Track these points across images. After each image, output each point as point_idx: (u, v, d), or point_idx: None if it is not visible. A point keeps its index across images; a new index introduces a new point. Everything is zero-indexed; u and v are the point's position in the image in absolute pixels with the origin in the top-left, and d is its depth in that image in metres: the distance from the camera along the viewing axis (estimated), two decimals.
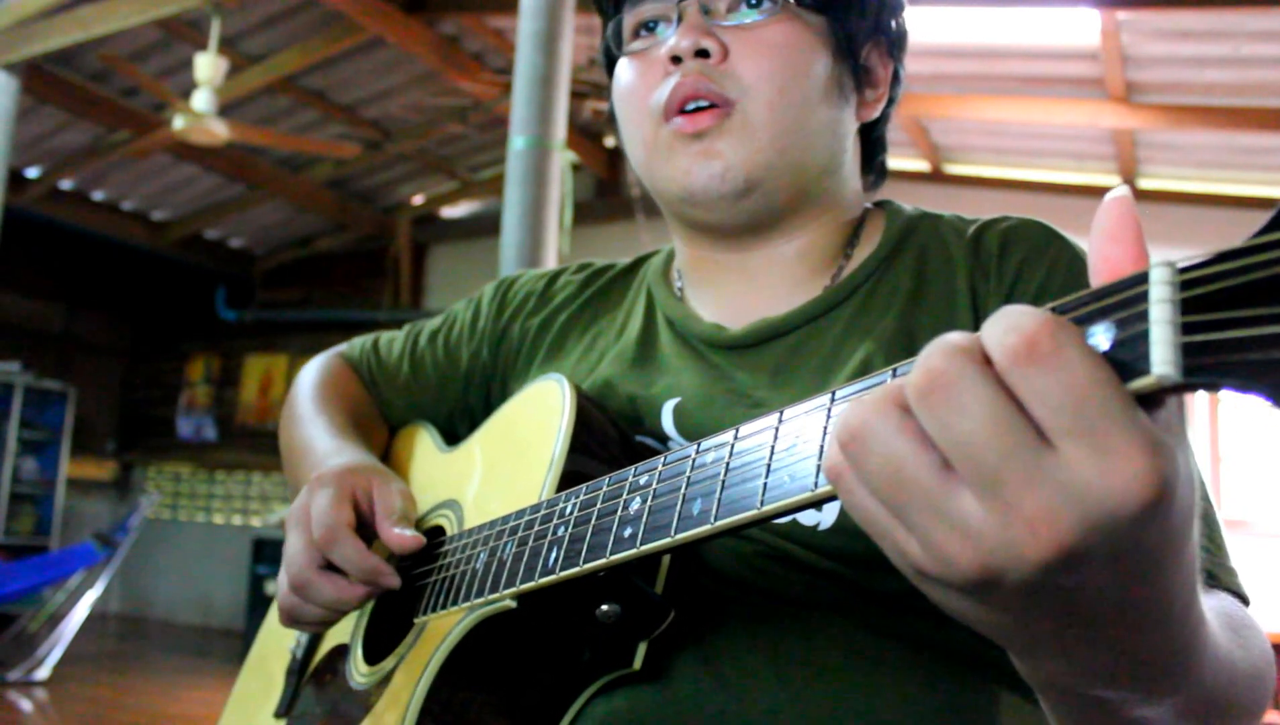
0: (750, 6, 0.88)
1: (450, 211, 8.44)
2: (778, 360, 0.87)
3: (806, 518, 0.78)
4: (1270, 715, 4.90)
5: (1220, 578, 0.73)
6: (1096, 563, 0.40)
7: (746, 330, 0.90)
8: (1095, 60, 4.97)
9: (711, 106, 0.86)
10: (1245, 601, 0.73)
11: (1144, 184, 6.06)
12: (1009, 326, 0.39)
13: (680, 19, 0.88)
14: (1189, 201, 5.93)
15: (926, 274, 0.88)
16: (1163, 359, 0.36)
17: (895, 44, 0.96)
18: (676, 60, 0.87)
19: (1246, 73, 4.87)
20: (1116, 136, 5.61)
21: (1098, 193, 6.09)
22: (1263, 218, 0.37)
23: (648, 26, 0.93)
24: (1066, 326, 0.38)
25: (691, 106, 0.86)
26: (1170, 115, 5.21)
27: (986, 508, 0.39)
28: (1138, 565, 0.42)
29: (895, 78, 0.97)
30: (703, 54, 0.86)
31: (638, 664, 0.73)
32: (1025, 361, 0.38)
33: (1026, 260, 0.84)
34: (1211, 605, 0.57)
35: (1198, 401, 5.72)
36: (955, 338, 0.41)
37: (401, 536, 0.84)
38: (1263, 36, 4.53)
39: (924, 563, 0.42)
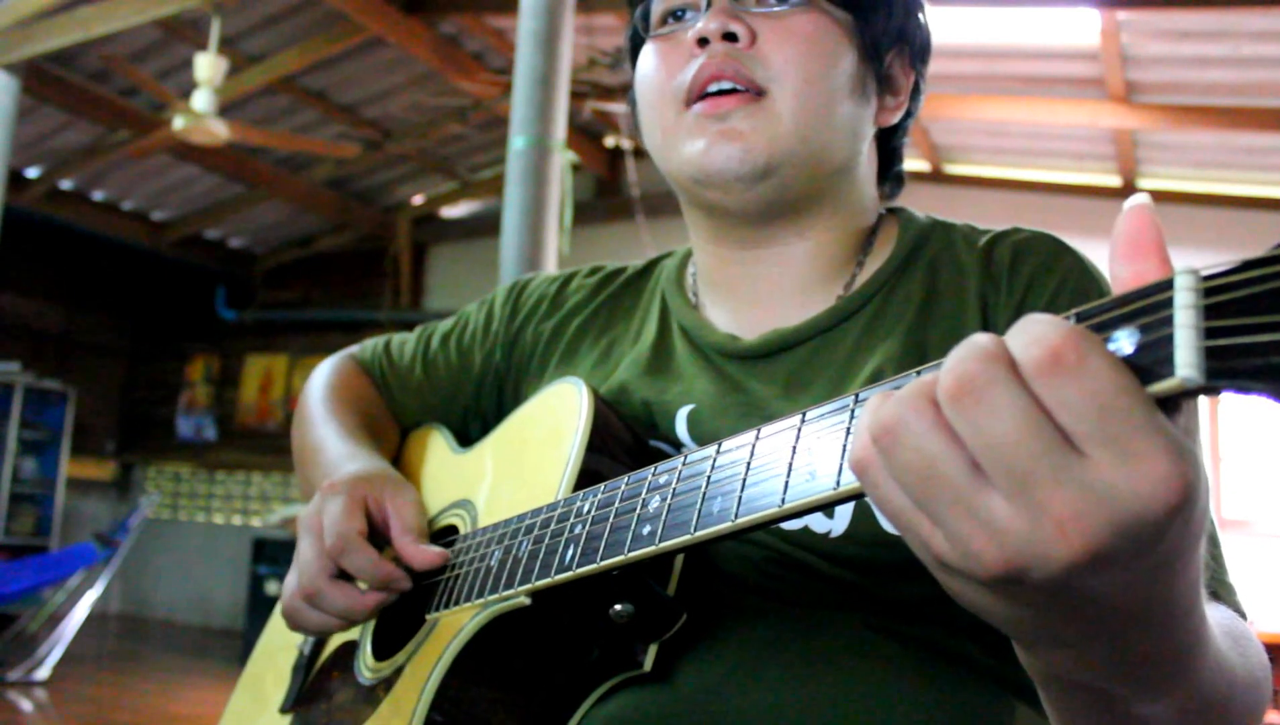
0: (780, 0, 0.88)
1: (450, 211, 8.44)
2: (791, 371, 0.87)
3: (818, 525, 0.78)
4: (1270, 715, 4.90)
5: (1221, 594, 0.74)
6: (1120, 564, 0.41)
7: (760, 341, 0.90)
8: (1095, 60, 4.98)
9: (735, 91, 0.85)
10: (1243, 617, 0.73)
11: (1144, 184, 6.06)
12: (1031, 339, 0.40)
13: (709, 4, 0.88)
14: (1189, 201, 5.93)
15: (938, 285, 0.88)
16: (1186, 362, 0.37)
17: (918, 55, 0.96)
18: (703, 43, 0.86)
19: (1246, 73, 4.87)
20: (1116, 136, 5.61)
21: (1098, 193, 6.11)
22: (1263, 218, 0.38)
23: (675, 15, 0.93)
24: (1088, 336, 0.39)
25: (715, 89, 0.86)
26: (1170, 115, 5.21)
27: (1015, 508, 0.40)
28: (1156, 566, 0.43)
29: (915, 90, 0.97)
30: (730, 38, 0.86)
31: (648, 665, 0.73)
32: (1050, 372, 0.39)
33: (1037, 273, 0.84)
34: (1213, 615, 0.58)
35: (1198, 403, 5.72)
36: (985, 342, 0.41)
37: (422, 552, 0.84)
38: (1263, 36, 4.54)
39: (949, 556, 0.43)
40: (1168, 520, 0.39)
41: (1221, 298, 0.37)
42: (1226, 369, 0.36)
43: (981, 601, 0.45)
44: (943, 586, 0.47)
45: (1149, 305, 0.39)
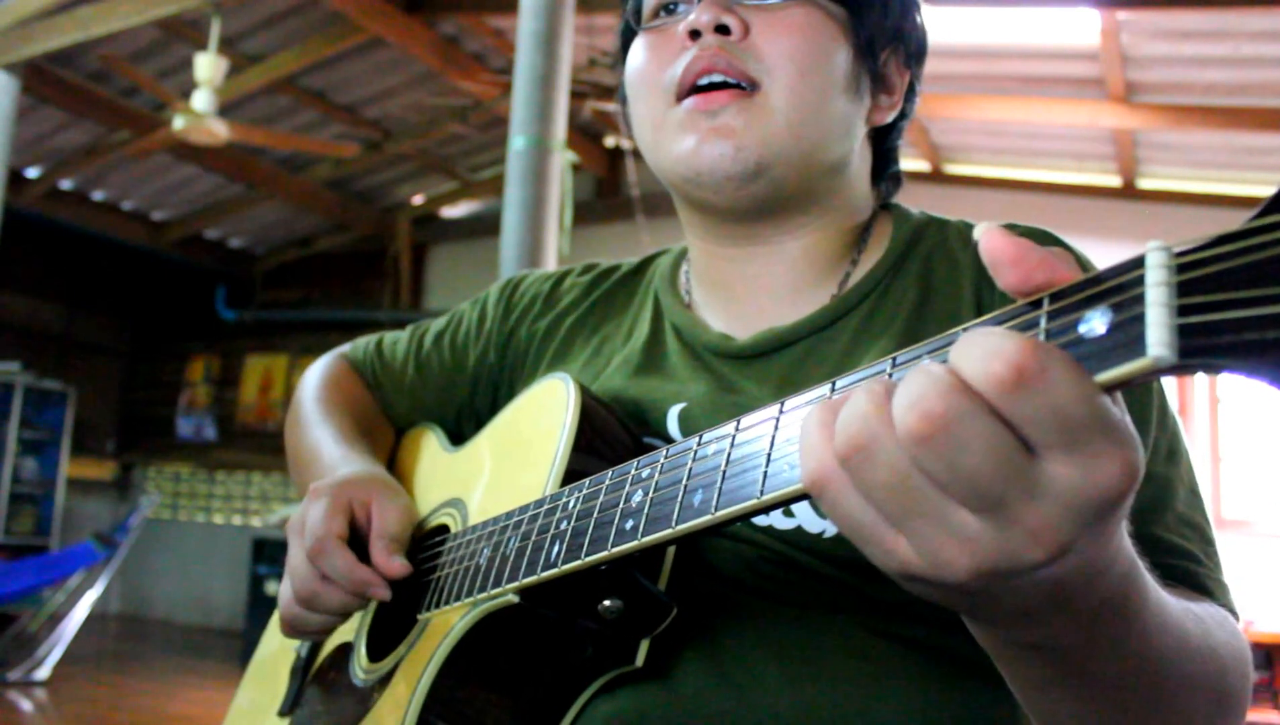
0: None
1: (450, 211, 8.44)
2: (784, 371, 0.87)
3: (812, 525, 0.78)
4: (1269, 714, 4.90)
5: (1214, 593, 0.74)
6: (1080, 548, 0.42)
7: (753, 340, 0.89)
8: (1095, 60, 4.98)
9: (727, 86, 0.84)
10: (1235, 617, 0.74)
11: (1144, 184, 6.06)
12: (989, 353, 0.39)
13: None
14: (1189, 201, 5.94)
15: (932, 283, 0.88)
16: (1159, 341, 0.37)
17: (913, 55, 0.95)
18: (695, 35, 0.85)
19: (1246, 73, 4.87)
20: (1116, 136, 5.61)
21: (1098, 193, 6.11)
22: None
23: (668, 8, 0.91)
24: (1046, 347, 0.39)
25: (705, 82, 0.84)
26: (1170, 115, 5.21)
27: (987, 521, 0.41)
28: (1108, 537, 0.44)
29: (911, 90, 0.96)
30: (723, 30, 0.84)
31: (640, 661, 0.73)
32: (1013, 388, 0.39)
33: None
34: (1191, 606, 0.59)
35: (1199, 403, 5.72)
36: (940, 373, 0.41)
37: (388, 562, 0.83)
38: (1263, 36, 4.53)
39: (915, 565, 0.43)
40: (1123, 503, 0.41)
41: (1195, 274, 0.37)
42: (1199, 347, 0.36)
43: (938, 596, 0.46)
44: (898, 583, 0.47)
45: (1121, 283, 0.39)
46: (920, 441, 0.40)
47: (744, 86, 0.84)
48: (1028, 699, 0.58)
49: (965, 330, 0.43)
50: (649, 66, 0.90)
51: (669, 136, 0.87)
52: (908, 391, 0.41)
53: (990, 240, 0.44)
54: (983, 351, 0.40)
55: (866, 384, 0.44)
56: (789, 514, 0.79)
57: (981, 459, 0.40)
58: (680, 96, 0.86)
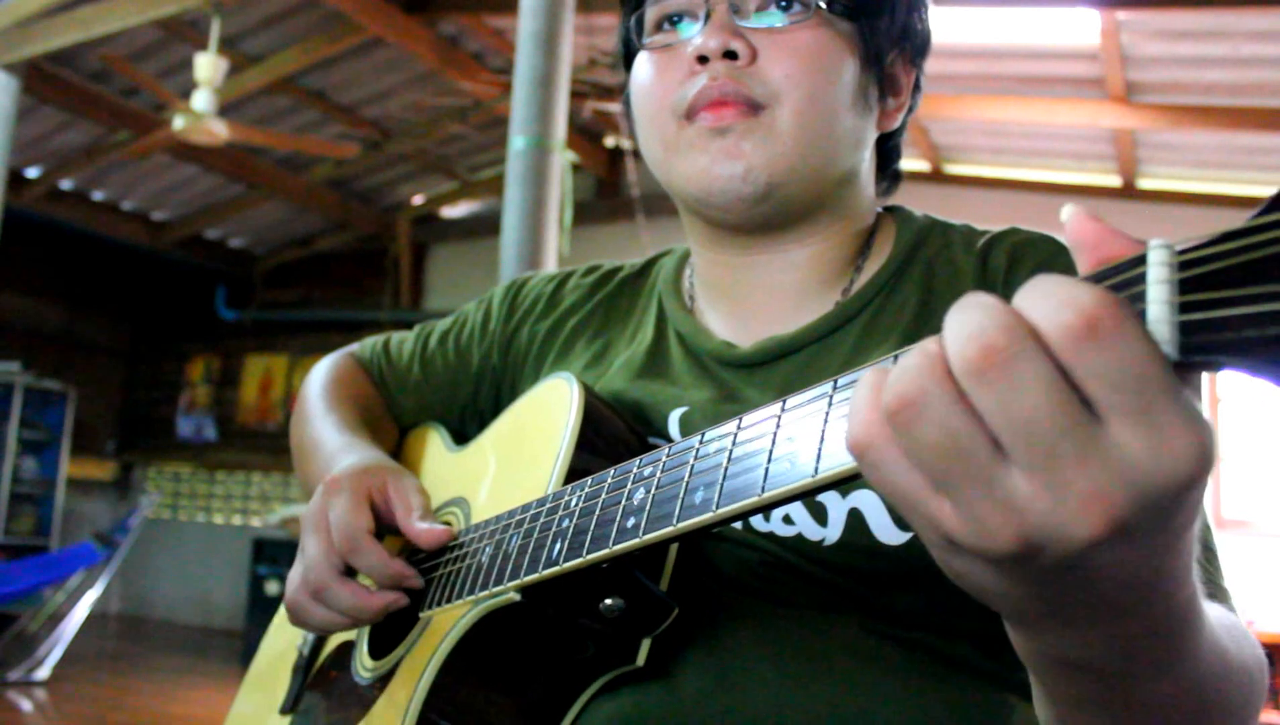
0: (780, 9, 0.86)
1: (450, 211, 8.44)
2: (787, 379, 0.87)
3: (812, 533, 0.78)
4: (1269, 715, 4.90)
5: (1218, 598, 0.73)
6: (1137, 538, 0.40)
7: (756, 348, 0.89)
8: (1095, 60, 4.98)
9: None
10: None
11: (1144, 184, 6.06)
12: (1061, 301, 0.37)
13: (708, 17, 0.86)
14: (1189, 201, 5.94)
15: (934, 288, 0.87)
16: (1160, 337, 0.36)
17: (918, 51, 0.95)
18: (703, 60, 0.85)
19: (1246, 73, 4.87)
20: (1116, 136, 5.61)
21: (1098, 193, 6.11)
22: None
23: (671, 20, 0.91)
24: (1123, 302, 0.37)
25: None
26: (1170, 115, 5.21)
27: (1037, 484, 0.38)
28: (1167, 538, 0.42)
29: (915, 85, 0.96)
30: (730, 55, 0.84)
31: (641, 660, 0.73)
32: (1085, 339, 0.36)
33: (1035, 275, 0.83)
34: (1210, 609, 0.57)
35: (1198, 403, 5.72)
36: (1000, 308, 0.39)
37: (430, 531, 0.83)
38: (1263, 36, 4.54)
39: (960, 533, 0.41)
40: (1189, 491, 0.38)
41: (1196, 271, 0.36)
42: (1200, 344, 0.36)
43: (984, 580, 0.44)
44: (940, 565, 0.45)
45: (1123, 281, 0.39)
46: (977, 375, 0.38)
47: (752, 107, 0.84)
48: (1060, 716, 0.55)
49: None
50: (656, 88, 0.89)
51: (680, 156, 0.87)
52: (967, 324, 0.39)
53: (1074, 224, 0.42)
54: (1054, 299, 0.37)
55: (920, 344, 0.41)
56: (789, 522, 0.79)
57: (1038, 402, 0.37)
58: (690, 116, 0.86)
